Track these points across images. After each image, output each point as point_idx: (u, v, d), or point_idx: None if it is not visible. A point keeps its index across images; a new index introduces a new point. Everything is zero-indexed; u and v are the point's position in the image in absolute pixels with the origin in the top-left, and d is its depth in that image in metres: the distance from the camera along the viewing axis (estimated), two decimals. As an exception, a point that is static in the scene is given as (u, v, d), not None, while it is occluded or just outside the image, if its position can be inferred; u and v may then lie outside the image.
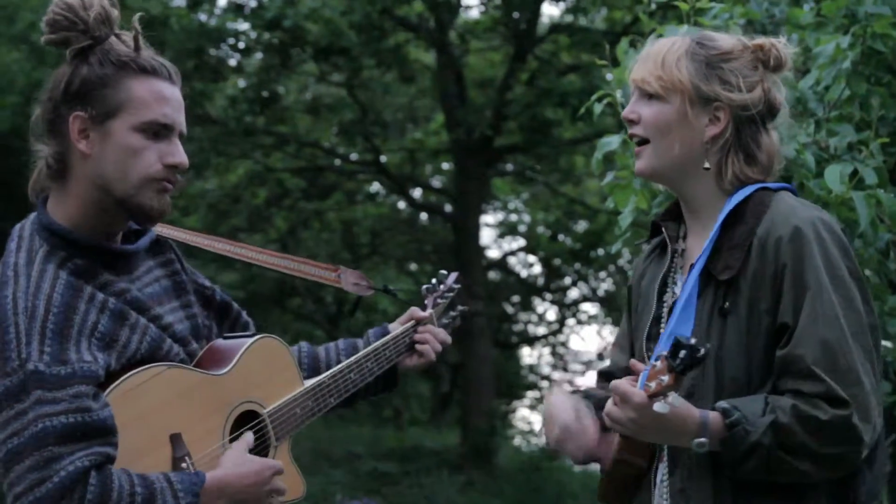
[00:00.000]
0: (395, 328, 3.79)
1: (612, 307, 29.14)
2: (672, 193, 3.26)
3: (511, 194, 28.17)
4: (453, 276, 4.07)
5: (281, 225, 24.74)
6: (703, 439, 2.81)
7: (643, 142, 3.10)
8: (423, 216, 27.19)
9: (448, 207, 23.92)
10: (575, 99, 17.35)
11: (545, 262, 29.67)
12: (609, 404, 2.90)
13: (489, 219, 29.02)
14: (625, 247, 5.15)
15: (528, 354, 34.10)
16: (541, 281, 30.95)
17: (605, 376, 3.40)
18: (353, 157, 23.83)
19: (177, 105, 3.02)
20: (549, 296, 31.49)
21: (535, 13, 20.90)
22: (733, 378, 2.90)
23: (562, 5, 21.71)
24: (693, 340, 2.65)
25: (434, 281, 3.99)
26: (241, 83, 20.10)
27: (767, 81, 3.11)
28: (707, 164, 3.06)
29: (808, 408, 2.78)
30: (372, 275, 25.44)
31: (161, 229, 3.34)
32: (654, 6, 5.81)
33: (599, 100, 5.19)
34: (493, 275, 29.34)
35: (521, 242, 30.12)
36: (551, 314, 32.41)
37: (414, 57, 21.78)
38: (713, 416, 2.83)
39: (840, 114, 4.97)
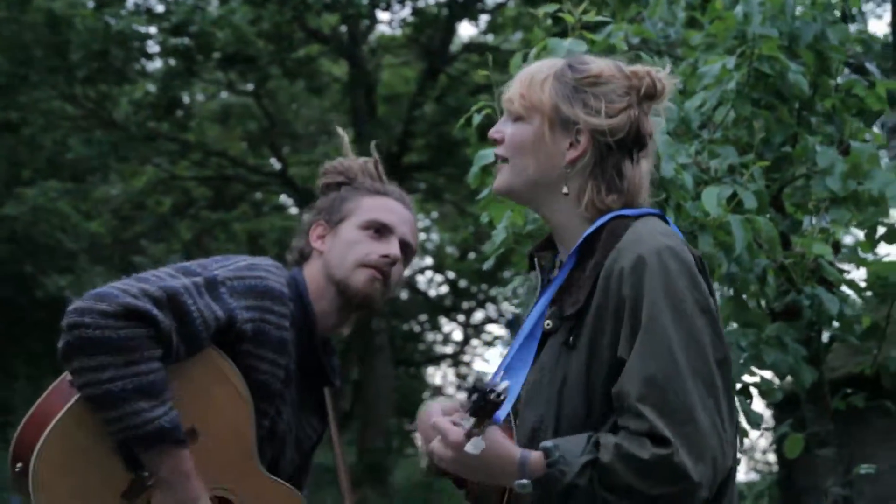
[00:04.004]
0: None
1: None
2: None
3: (420, 213, 28.07)
4: None
5: (185, 234, 24.39)
6: (524, 480, 2.67)
7: (504, 161, 2.98)
8: (332, 231, 26.87)
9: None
10: (485, 118, 17.22)
11: (452, 283, 29.60)
12: (434, 441, 2.76)
13: (397, 237, 28.89)
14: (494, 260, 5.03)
15: (432, 374, 34.03)
16: (448, 301, 30.87)
17: None
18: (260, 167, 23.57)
19: (401, 217, 3.47)
20: (455, 316, 31.43)
21: (450, 31, 20.84)
22: (573, 414, 2.76)
23: (480, 26, 21.68)
24: (496, 384, 2.52)
25: None
26: (150, 87, 19.77)
27: (637, 109, 2.97)
28: (565, 189, 2.92)
29: (630, 446, 2.64)
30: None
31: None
32: (549, 21, 5.70)
33: (479, 111, 5.06)
34: (401, 293, 29.21)
35: (429, 262, 30.06)
36: (457, 334, 32.36)
37: (326, 70, 21.61)
38: (535, 456, 2.68)
39: (724, 136, 4.88)
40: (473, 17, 21.21)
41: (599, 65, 2.97)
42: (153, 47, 18.82)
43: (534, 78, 2.94)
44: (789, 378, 4.99)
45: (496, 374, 2.84)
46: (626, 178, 2.93)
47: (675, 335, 2.69)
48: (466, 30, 41.92)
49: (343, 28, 20.66)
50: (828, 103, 5.24)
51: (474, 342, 31.81)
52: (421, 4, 20.22)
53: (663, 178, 4.39)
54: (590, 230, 2.86)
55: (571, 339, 2.78)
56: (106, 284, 3.03)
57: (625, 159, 2.93)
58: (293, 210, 26.34)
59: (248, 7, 16.90)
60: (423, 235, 29.81)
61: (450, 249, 28.82)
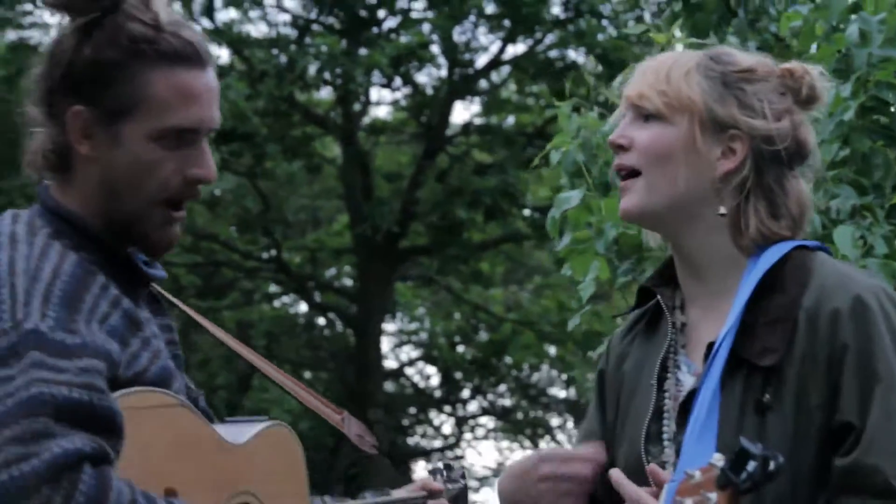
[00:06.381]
0: (400, 493, 3.11)
1: (509, 421, 28.66)
2: (660, 253, 2.51)
3: (415, 298, 27.56)
4: (461, 470, 3.53)
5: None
6: None
7: (632, 174, 2.39)
8: (322, 321, 26.43)
9: (349, 310, 23.23)
10: (488, 197, 16.82)
11: (444, 374, 29.04)
12: None
13: (390, 326, 28.40)
14: (582, 324, 4.39)
15: (422, 468, 33.38)
16: (438, 393, 30.31)
17: None
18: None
19: (207, 98, 2.37)
20: (446, 408, 30.84)
21: (447, 112, 20.49)
22: (777, 495, 2.20)
23: (473, 108, 21.39)
24: (762, 449, 1.92)
25: (440, 465, 3.47)
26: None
27: (797, 115, 2.41)
28: (723, 210, 2.35)
29: None
30: (266, 381, 24.57)
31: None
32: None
33: (557, 148, 4.47)
34: (389, 385, 28.62)
35: (420, 351, 29.52)
36: (447, 427, 31.73)
37: (320, 150, 21.22)
38: None
39: (837, 174, 4.28)
40: (473, 94, 20.87)
41: (749, 58, 2.43)
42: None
43: (672, 70, 2.37)
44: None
45: (687, 445, 2.20)
46: (792, 197, 2.35)
47: None
48: (461, 113, 41.98)
49: (338, 109, 20.32)
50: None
51: (467, 435, 31.20)
52: (421, 79, 19.91)
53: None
54: (770, 260, 2.28)
55: (767, 397, 2.21)
56: None
57: (786, 173, 2.35)
58: (285, 299, 25.85)
59: (243, 83, 16.52)
60: (412, 325, 29.28)
61: (441, 340, 28.24)
